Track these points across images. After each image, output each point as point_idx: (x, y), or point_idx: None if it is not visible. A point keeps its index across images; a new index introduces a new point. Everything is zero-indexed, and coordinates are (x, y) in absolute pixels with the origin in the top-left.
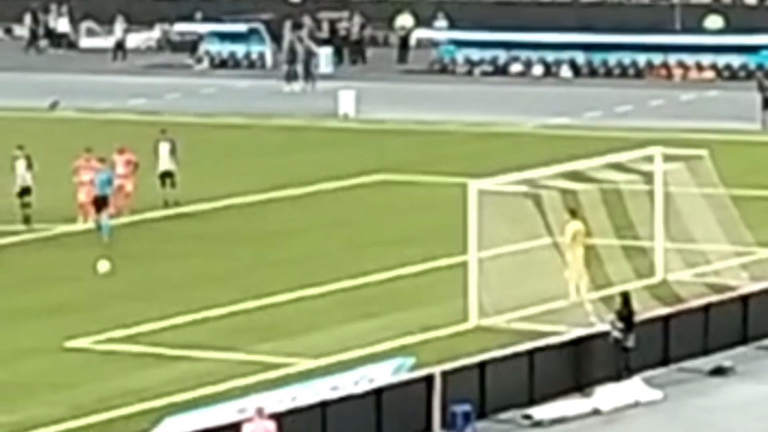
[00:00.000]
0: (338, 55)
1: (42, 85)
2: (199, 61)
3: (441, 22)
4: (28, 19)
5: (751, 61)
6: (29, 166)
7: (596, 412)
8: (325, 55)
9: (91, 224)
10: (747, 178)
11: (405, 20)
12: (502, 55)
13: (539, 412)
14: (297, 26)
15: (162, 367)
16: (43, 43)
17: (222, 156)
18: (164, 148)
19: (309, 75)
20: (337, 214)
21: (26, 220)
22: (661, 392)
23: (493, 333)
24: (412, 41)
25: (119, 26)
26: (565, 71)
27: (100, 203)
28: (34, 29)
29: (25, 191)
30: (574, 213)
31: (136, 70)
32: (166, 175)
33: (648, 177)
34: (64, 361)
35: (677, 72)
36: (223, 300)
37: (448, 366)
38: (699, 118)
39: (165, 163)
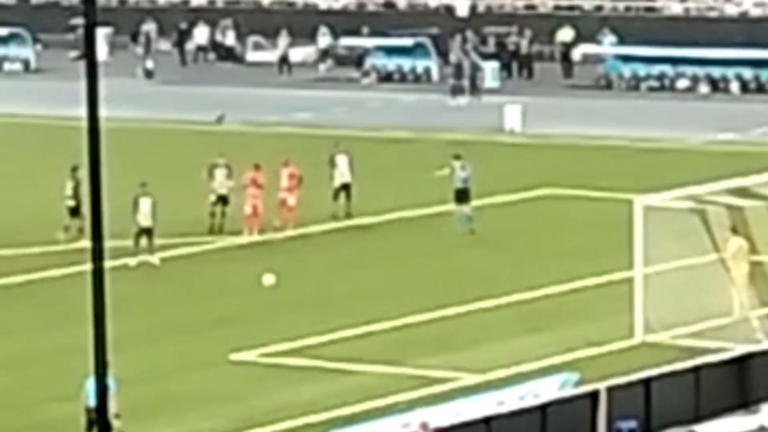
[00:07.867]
0: (506, 69)
1: (209, 98)
2: (366, 74)
3: (608, 37)
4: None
5: None
6: (229, 176)
7: (762, 429)
8: (490, 69)
9: (255, 237)
10: None
11: (566, 34)
12: (669, 71)
13: (704, 428)
14: (464, 41)
15: (327, 381)
16: (211, 56)
17: (388, 170)
18: (342, 160)
19: (475, 89)
20: (502, 228)
21: (219, 229)
22: None
23: (658, 349)
24: (575, 56)
25: (283, 40)
26: (733, 87)
27: (462, 196)
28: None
29: (222, 200)
30: (735, 230)
31: (302, 84)
32: (343, 188)
33: None
34: (230, 373)
35: None
36: (390, 313)
37: (614, 382)
38: None
39: (345, 175)
